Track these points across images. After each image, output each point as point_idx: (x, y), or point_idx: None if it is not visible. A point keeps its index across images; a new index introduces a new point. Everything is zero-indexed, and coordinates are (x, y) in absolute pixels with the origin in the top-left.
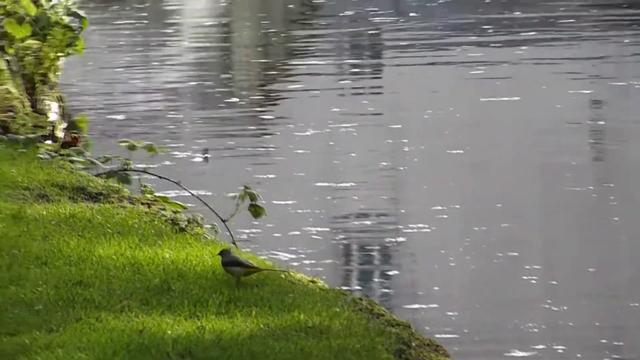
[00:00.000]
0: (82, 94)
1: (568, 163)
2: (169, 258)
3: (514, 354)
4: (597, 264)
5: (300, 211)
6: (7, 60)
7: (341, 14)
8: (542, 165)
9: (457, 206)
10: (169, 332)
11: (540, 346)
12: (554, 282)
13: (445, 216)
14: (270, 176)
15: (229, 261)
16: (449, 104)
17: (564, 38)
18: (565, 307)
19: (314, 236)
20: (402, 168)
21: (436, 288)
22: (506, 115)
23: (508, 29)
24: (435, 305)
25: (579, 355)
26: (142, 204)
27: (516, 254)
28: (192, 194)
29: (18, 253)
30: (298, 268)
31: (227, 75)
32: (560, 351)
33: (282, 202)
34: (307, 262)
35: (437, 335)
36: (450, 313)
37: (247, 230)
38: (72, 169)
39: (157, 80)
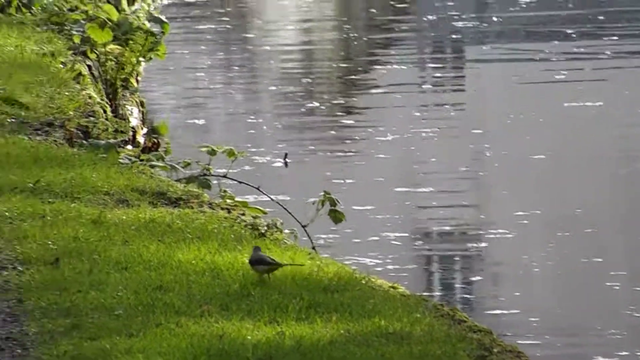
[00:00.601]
0: (164, 99)
1: None
2: (249, 263)
3: (591, 358)
4: None
5: (380, 216)
6: (89, 65)
7: (423, 18)
8: (625, 171)
9: (540, 212)
10: (249, 337)
11: (623, 353)
12: (638, 289)
13: (527, 222)
14: (350, 181)
15: (255, 260)
16: (531, 109)
17: None
18: None
19: (394, 242)
20: (483, 173)
21: (518, 294)
22: (589, 120)
23: (592, 33)
24: (517, 311)
25: None
26: (222, 209)
27: (600, 259)
28: (272, 199)
29: (98, 258)
30: (378, 274)
31: (308, 80)
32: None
33: (362, 208)
34: (388, 267)
35: (519, 341)
36: (533, 319)
37: (326, 236)
38: (152, 173)
39: (238, 85)
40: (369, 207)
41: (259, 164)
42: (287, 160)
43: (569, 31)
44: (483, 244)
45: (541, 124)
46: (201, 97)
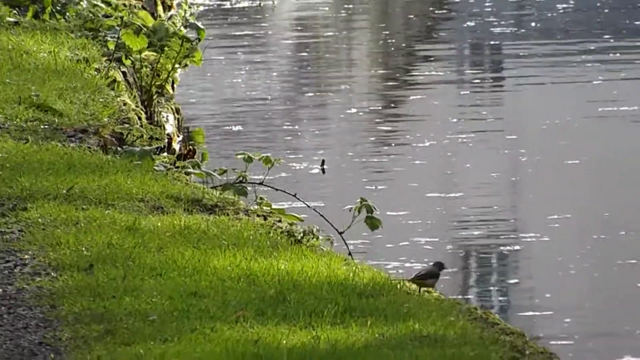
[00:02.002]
0: (200, 106)
1: None
2: (285, 269)
3: None
4: None
5: (415, 222)
6: (124, 72)
7: (463, 25)
8: None
9: (574, 216)
10: (284, 342)
11: None
12: None
13: (562, 225)
14: (387, 187)
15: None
16: (567, 114)
17: None
18: None
19: (429, 247)
20: (517, 178)
21: (552, 296)
22: (624, 124)
23: (628, 38)
24: (550, 313)
25: None
26: (258, 216)
27: (635, 261)
28: (308, 206)
29: (132, 264)
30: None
31: (346, 86)
32: None
33: (398, 213)
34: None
35: (552, 342)
36: (566, 320)
37: (361, 241)
38: (188, 181)
39: (276, 91)
40: (404, 213)
41: (296, 171)
42: (324, 167)
43: (606, 36)
44: (518, 248)
45: (576, 128)
46: (238, 103)
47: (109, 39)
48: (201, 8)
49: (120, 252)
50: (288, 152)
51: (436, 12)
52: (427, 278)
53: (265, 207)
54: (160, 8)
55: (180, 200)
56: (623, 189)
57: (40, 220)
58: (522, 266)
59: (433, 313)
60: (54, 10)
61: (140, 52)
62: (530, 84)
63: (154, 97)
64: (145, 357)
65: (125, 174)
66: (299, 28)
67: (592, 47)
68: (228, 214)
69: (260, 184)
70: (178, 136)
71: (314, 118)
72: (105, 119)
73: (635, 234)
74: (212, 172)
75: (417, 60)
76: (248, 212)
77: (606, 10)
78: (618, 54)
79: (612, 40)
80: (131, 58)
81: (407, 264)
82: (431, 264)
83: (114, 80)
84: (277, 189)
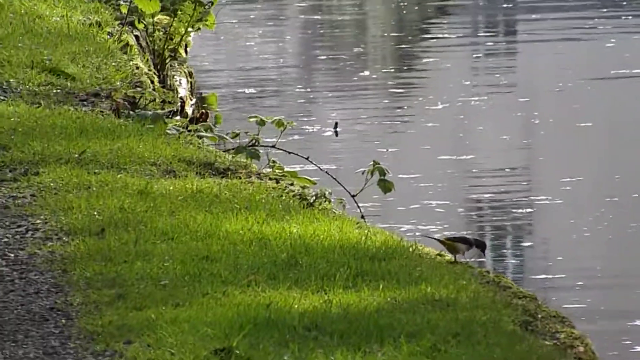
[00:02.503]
0: (213, 69)
1: None
2: (297, 233)
3: (638, 323)
4: None
5: (428, 185)
6: (136, 36)
7: None
8: None
9: (587, 178)
10: (296, 306)
11: None
12: None
13: (575, 188)
14: (400, 150)
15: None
16: (580, 77)
17: None
18: None
19: (442, 210)
20: (530, 141)
21: (566, 258)
22: (637, 87)
23: None
24: (563, 276)
25: None
26: (271, 179)
27: None
28: (321, 169)
29: (144, 228)
30: (426, 242)
31: (359, 49)
32: None
33: (411, 176)
34: (437, 235)
35: (565, 306)
36: (579, 283)
37: (373, 204)
38: (200, 144)
39: (289, 54)
40: (417, 176)
41: (309, 134)
42: (337, 129)
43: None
44: (530, 211)
45: (589, 91)
46: (251, 67)
47: (121, 2)
48: None
49: (132, 217)
50: (301, 115)
51: None
52: (459, 242)
53: (277, 170)
54: None
55: (193, 163)
56: (636, 151)
57: (52, 184)
58: (535, 229)
59: (445, 276)
60: None
61: (153, 15)
62: (543, 46)
63: (167, 60)
64: (156, 322)
65: (138, 138)
66: None
67: (605, 10)
68: (240, 178)
69: (273, 147)
70: (191, 100)
71: (327, 81)
72: (118, 83)
73: None
74: (224, 136)
75: (431, 22)
76: (260, 175)
77: None
78: (630, 17)
79: (625, 2)
80: (144, 22)
81: (420, 227)
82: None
83: (127, 44)
84: (289, 152)
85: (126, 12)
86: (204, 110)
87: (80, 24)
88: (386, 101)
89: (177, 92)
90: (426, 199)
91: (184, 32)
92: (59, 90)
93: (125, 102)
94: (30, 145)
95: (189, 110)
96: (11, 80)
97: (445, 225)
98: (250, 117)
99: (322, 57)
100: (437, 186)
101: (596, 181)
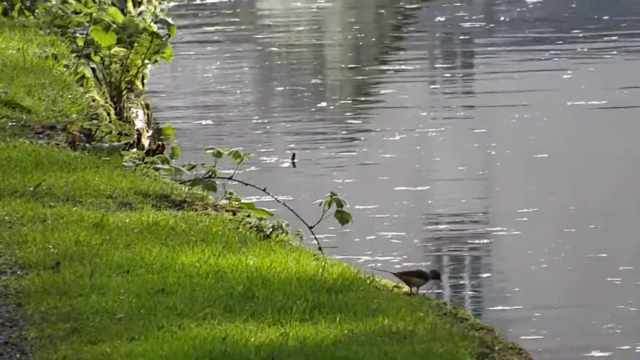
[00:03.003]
0: (170, 101)
1: None
2: (253, 265)
3: (595, 354)
4: None
5: (385, 216)
6: (93, 68)
7: (433, 20)
8: (629, 169)
9: (544, 209)
10: (252, 339)
11: (625, 347)
12: None
13: (532, 219)
14: (357, 181)
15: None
16: (536, 108)
17: None
18: None
19: (399, 241)
20: (487, 172)
21: (523, 290)
22: (593, 119)
23: (597, 33)
24: (520, 307)
25: None
26: (227, 211)
27: (605, 255)
28: (278, 200)
29: (100, 262)
30: (383, 274)
31: (317, 80)
32: None
33: (368, 207)
34: (395, 266)
35: (522, 337)
36: (536, 314)
37: (331, 236)
38: (156, 176)
39: (247, 86)
40: (375, 207)
41: (266, 165)
42: (295, 160)
43: (575, 31)
44: (488, 242)
45: (545, 123)
46: (209, 99)
47: (78, 35)
48: (172, 4)
49: (88, 250)
50: (259, 145)
51: (407, 6)
52: (414, 276)
53: (234, 202)
54: (130, 4)
55: (149, 196)
56: (592, 182)
57: (6, 217)
58: (492, 260)
59: (402, 309)
60: (22, 7)
61: (109, 48)
62: (500, 77)
63: (123, 93)
64: (111, 356)
65: (94, 170)
66: (270, 23)
67: (561, 41)
68: (197, 210)
69: (230, 178)
70: (147, 132)
71: (284, 112)
72: (74, 115)
73: (605, 227)
74: (181, 168)
75: (388, 53)
76: (217, 207)
77: (574, 5)
78: (586, 48)
79: (580, 34)
80: (100, 54)
81: (378, 258)
82: (428, 269)
83: (83, 77)
84: (246, 184)
85: (82, 45)
86: (160, 142)
87: (36, 57)
88: (344, 132)
89: (133, 124)
90: (383, 230)
91: (140, 64)
92: (14, 123)
93: (82, 135)
94: None
95: (145, 142)
96: None
97: (403, 257)
98: (207, 149)
99: (280, 89)
100: (395, 217)
101: (553, 212)
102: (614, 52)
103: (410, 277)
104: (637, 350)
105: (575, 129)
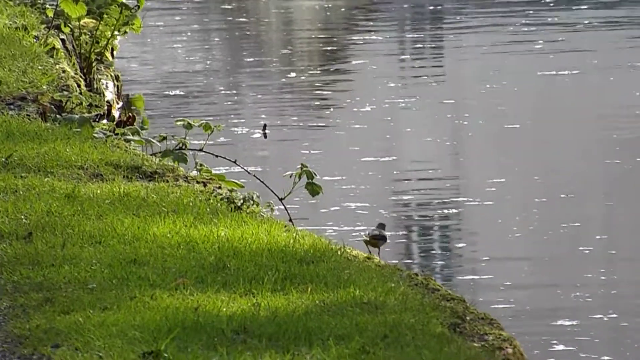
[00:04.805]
0: (140, 73)
1: (627, 137)
2: (225, 236)
3: (565, 323)
4: None
5: (356, 187)
6: (63, 40)
7: None
8: (600, 138)
9: (514, 180)
10: (224, 309)
11: (594, 316)
12: (613, 252)
13: (502, 189)
14: (328, 152)
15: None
16: (506, 79)
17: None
18: (621, 278)
19: (369, 212)
20: (458, 143)
21: (491, 260)
22: (564, 88)
23: (569, 4)
24: (490, 277)
25: (626, 324)
26: (198, 182)
27: (577, 224)
28: (248, 172)
29: (72, 232)
30: (355, 244)
31: (286, 51)
32: (611, 321)
33: (338, 178)
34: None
35: (493, 307)
36: (507, 283)
37: (302, 207)
38: (127, 148)
39: (216, 57)
40: (344, 178)
41: (238, 136)
42: (266, 131)
43: (546, 1)
44: (458, 212)
45: (515, 93)
46: (179, 70)
47: (47, 6)
48: None
49: (60, 220)
50: (230, 117)
51: None
52: (379, 239)
53: (205, 174)
54: None
55: (120, 167)
56: (561, 152)
57: None
58: (462, 231)
59: (374, 279)
60: None
61: (79, 19)
62: (471, 48)
63: (93, 64)
64: (84, 326)
65: (65, 142)
66: None
67: (531, 12)
68: (168, 181)
69: (200, 150)
70: (118, 103)
71: (254, 84)
72: (44, 87)
73: (575, 197)
74: (151, 139)
75: (357, 25)
76: (188, 178)
77: None
78: (557, 19)
79: (551, 5)
80: (70, 25)
81: (348, 229)
82: (376, 226)
83: (53, 48)
84: (217, 155)
85: (52, 16)
86: (131, 114)
87: (6, 28)
88: (316, 103)
89: (104, 95)
90: (354, 201)
91: (110, 35)
92: None
93: (52, 106)
94: None
95: (115, 113)
96: None
97: (372, 227)
98: (177, 121)
99: (249, 60)
100: (366, 188)
101: (524, 182)
102: (586, 22)
103: (377, 240)
104: (606, 319)
105: (545, 101)
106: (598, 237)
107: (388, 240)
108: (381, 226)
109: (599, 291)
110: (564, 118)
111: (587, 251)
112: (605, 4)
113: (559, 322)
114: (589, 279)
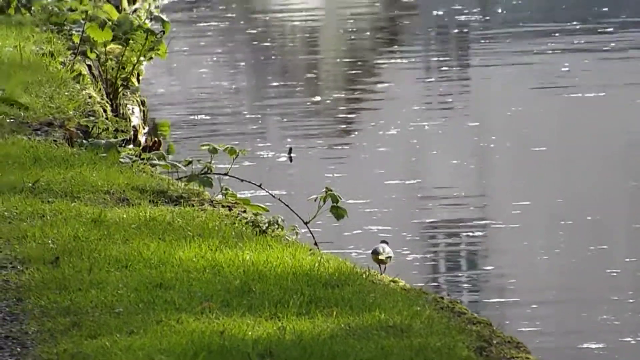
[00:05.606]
0: (166, 98)
1: None
2: (250, 260)
3: (592, 347)
4: None
5: (381, 210)
6: (89, 65)
7: (429, 13)
8: (627, 160)
9: (541, 202)
10: (250, 333)
11: (622, 339)
12: None
13: (529, 212)
14: (352, 175)
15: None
16: (532, 101)
17: None
18: None
19: (395, 235)
20: (484, 166)
21: (518, 283)
22: (590, 110)
23: (593, 25)
24: (517, 300)
25: None
26: (223, 206)
27: (604, 247)
28: (273, 196)
29: (98, 256)
30: (378, 267)
31: (311, 75)
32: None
33: (364, 201)
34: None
35: (519, 329)
36: (534, 307)
37: (327, 231)
38: (153, 172)
39: (241, 81)
40: (369, 201)
41: (263, 160)
42: (291, 155)
43: (573, 22)
44: (485, 235)
45: (542, 115)
46: (204, 94)
47: (74, 32)
48: (166, 1)
49: (86, 245)
50: (256, 140)
51: (403, 0)
52: (376, 253)
53: (230, 198)
54: (125, 1)
55: (146, 192)
56: (590, 175)
57: (6, 213)
58: (489, 254)
59: (399, 303)
60: (19, 4)
61: (105, 45)
62: (495, 71)
63: (119, 89)
64: (111, 350)
65: (91, 167)
66: (265, 16)
67: (557, 34)
68: (193, 205)
69: (225, 174)
70: (144, 128)
71: (279, 107)
72: (71, 112)
73: (602, 219)
74: (177, 164)
75: (383, 47)
76: (213, 202)
77: None
78: (583, 41)
79: (577, 26)
80: (96, 51)
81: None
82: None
83: (79, 74)
84: (242, 180)
85: (78, 42)
86: (156, 139)
87: (33, 54)
88: (341, 126)
89: (129, 120)
90: (380, 224)
91: (136, 61)
92: (12, 120)
93: (79, 131)
94: None
95: (141, 138)
96: None
97: (398, 250)
98: (202, 145)
99: (274, 84)
100: (391, 211)
101: (550, 205)
102: (613, 44)
103: (376, 254)
104: (634, 342)
105: (571, 122)
106: (627, 259)
107: (411, 264)
108: (384, 242)
109: (626, 314)
110: (590, 140)
111: (614, 274)
112: (632, 26)
113: (586, 345)
114: (616, 302)
